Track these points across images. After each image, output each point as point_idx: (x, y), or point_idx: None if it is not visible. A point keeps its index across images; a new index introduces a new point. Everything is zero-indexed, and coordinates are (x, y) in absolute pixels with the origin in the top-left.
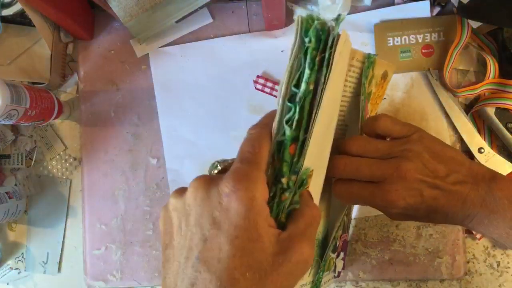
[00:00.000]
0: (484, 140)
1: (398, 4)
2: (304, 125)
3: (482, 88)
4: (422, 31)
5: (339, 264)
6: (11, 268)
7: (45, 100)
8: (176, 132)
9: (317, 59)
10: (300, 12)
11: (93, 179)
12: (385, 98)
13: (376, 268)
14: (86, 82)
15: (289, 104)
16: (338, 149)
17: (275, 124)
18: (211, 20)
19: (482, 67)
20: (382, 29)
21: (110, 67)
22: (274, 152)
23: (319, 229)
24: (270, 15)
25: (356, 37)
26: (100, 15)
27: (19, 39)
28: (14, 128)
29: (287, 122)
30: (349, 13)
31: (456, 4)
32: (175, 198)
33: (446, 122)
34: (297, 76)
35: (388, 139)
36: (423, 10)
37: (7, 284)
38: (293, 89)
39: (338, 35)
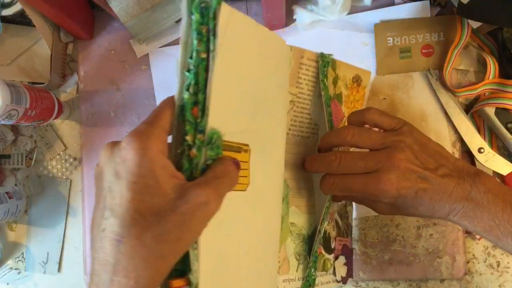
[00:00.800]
0: (484, 140)
1: (398, 4)
2: (202, 89)
3: (482, 88)
4: (422, 31)
5: (341, 269)
6: (11, 268)
7: (45, 100)
8: None
9: (204, 30)
10: (300, 12)
11: (93, 179)
12: (384, 98)
13: (376, 268)
14: (86, 82)
15: (186, 73)
16: (326, 141)
17: (176, 93)
18: None
19: (482, 67)
20: (382, 29)
21: (110, 67)
22: (178, 116)
23: (303, 225)
24: (270, 15)
25: (356, 37)
26: (100, 15)
27: (19, 39)
28: (14, 128)
29: (186, 89)
30: (349, 13)
31: (456, 4)
32: (96, 167)
33: (446, 122)
34: (190, 49)
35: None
36: (423, 10)
37: (7, 284)
38: (189, 60)
39: (219, 7)
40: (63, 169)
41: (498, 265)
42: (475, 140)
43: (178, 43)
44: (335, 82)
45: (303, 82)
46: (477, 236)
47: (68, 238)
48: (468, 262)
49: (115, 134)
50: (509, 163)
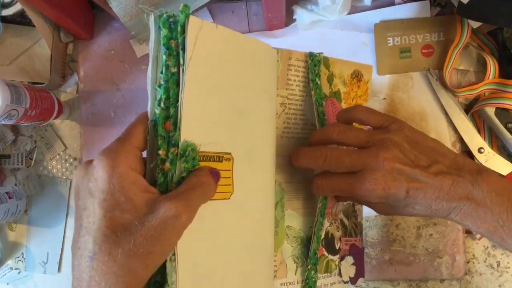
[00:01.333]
0: (484, 140)
1: (398, 4)
2: (174, 103)
3: (482, 88)
4: (422, 31)
5: (349, 269)
6: (11, 268)
7: (45, 100)
8: None
9: (173, 44)
10: (300, 12)
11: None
12: (384, 98)
13: (376, 268)
14: (86, 82)
15: (157, 88)
16: (314, 138)
17: (149, 109)
18: (211, 20)
19: (482, 67)
20: (382, 29)
21: (110, 67)
22: (152, 131)
23: (301, 227)
24: (270, 15)
25: (356, 37)
26: (100, 15)
27: (19, 39)
28: (14, 128)
29: (158, 104)
30: (349, 13)
31: (456, 4)
32: (73, 187)
33: (446, 122)
34: (160, 64)
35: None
36: (423, 10)
37: (7, 284)
38: (159, 75)
39: (187, 21)
40: (63, 169)
41: (498, 265)
42: (475, 140)
43: None
44: (330, 80)
45: (293, 83)
46: (477, 236)
47: (68, 238)
48: (468, 262)
49: (115, 134)
50: (509, 163)
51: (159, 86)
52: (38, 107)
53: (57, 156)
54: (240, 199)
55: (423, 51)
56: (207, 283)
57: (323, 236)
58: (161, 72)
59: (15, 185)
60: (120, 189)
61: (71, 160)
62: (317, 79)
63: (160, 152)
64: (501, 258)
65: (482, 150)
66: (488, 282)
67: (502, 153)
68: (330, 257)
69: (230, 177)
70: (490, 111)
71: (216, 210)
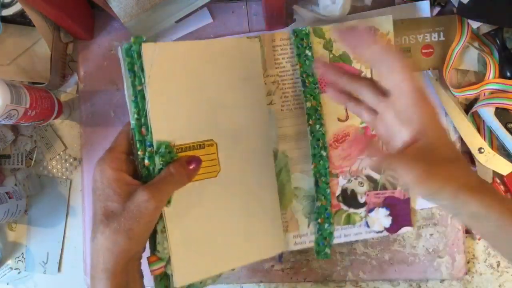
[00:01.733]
0: (484, 140)
1: (398, 4)
2: (144, 113)
3: (482, 88)
4: (422, 31)
5: (383, 220)
6: (11, 268)
7: (45, 100)
8: None
9: (135, 68)
10: (300, 12)
11: None
12: None
13: (376, 268)
14: (86, 82)
15: (131, 103)
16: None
17: (130, 119)
18: (211, 20)
19: (482, 67)
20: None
21: (110, 67)
22: (133, 136)
23: (309, 187)
24: (270, 15)
25: None
26: (100, 15)
27: (19, 39)
28: (14, 128)
29: (133, 115)
30: (349, 13)
31: (456, 4)
32: None
33: (446, 122)
34: (130, 84)
35: None
36: (423, 10)
37: (7, 284)
38: (131, 92)
39: (141, 48)
40: (63, 169)
41: (498, 265)
42: (475, 140)
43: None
44: (328, 46)
45: (282, 61)
46: (477, 236)
47: (68, 238)
48: (468, 262)
49: (115, 134)
50: (509, 163)
51: (131, 101)
52: (38, 107)
53: (57, 156)
54: (230, 175)
55: (423, 51)
56: (198, 245)
57: (339, 193)
58: (131, 90)
59: (15, 185)
60: (108, 186)
61: (71, 160)
62: (306, 51)
63: (139, 152)
64: (501, 258)
65: (482, 150)
66: (488, 282)
67: (502, 153)
68: (352, 210)
69: (215, 159)
70: (490, 111)
71: (204, 187)
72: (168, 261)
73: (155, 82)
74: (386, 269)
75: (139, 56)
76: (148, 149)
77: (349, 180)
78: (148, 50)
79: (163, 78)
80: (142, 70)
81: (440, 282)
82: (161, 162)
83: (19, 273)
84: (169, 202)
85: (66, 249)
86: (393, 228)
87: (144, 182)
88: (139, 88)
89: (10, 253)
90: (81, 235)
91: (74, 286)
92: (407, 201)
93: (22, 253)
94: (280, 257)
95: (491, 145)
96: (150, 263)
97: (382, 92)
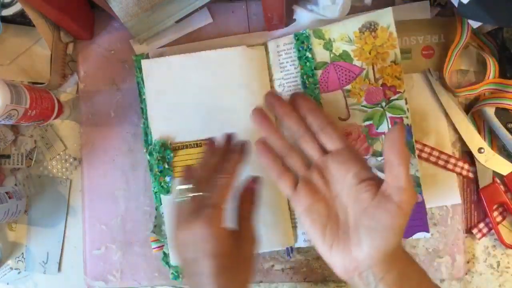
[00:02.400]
0: (484, 140)
1: (398, 4)
2: (147, 118)
3: (482, 88)
4: (422, 32)
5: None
6: (11, 268)
7: (45, 100)
8: None
9: (140, 80)
10: (300, 12)
11: (93, 179)
12: None
13: None
14: (86, 82)
15: (141, 110)
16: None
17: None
18: (211, 20)
19: (482, 67)
20: None
21: (110, 67)
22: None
23: None
24: (270, 15)
25: None
26: (100, 15)
27: (19, 39)
28: (14, 128)
29: (141, 120)
30: (349, 13)
31: (456, 4)
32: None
33: (446, 122)
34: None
35: None
36: (423, 10)
37: (7, 284)
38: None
39: (139, 64)
40: (63, 169)
41: (498, 265)
42: (475, 140)
43: (177, 44)
44: (328, 47)
45: (286, 65)
46: (477, 236)
47: (68, 238)
48: (468, 262)
49: (115, 134)
50: (509, 163)
51: (140, 108)
52: (38, 107)
53: (57, 156)
54: None
55: (424, 52)
56: None
57: None
58: (139, 99)
59: (15, 185)
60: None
61: (71, 160)
62: (307, 53)
63: (145, 150)
64: (501, 258)
65: (482, 150)
66: (488, 282)
67: (502, 153)
68: None
69: None
70: (490, 111)
71: None
72: (166, 241)
73: (151, 92)
74: None
75: (140, 70)
76: (149, 147)
77: None
78: (145, 65)
79: (158, 89)
80: (143, 82)
81: (440, 282)
82: (158, 157)
83: (19, 273)
84: (169, 191)
85: (66, 249)
86: (408, 233)
87: (150, 172)
88: (143, 97)
89: (10, 253)
90: (81, 235)
91: (74, 286)
92: (421, 204)
93: (22, 253)
94: (288, 253)
95: (491, 145)
96: (151, 242)
97: (323, 149)
